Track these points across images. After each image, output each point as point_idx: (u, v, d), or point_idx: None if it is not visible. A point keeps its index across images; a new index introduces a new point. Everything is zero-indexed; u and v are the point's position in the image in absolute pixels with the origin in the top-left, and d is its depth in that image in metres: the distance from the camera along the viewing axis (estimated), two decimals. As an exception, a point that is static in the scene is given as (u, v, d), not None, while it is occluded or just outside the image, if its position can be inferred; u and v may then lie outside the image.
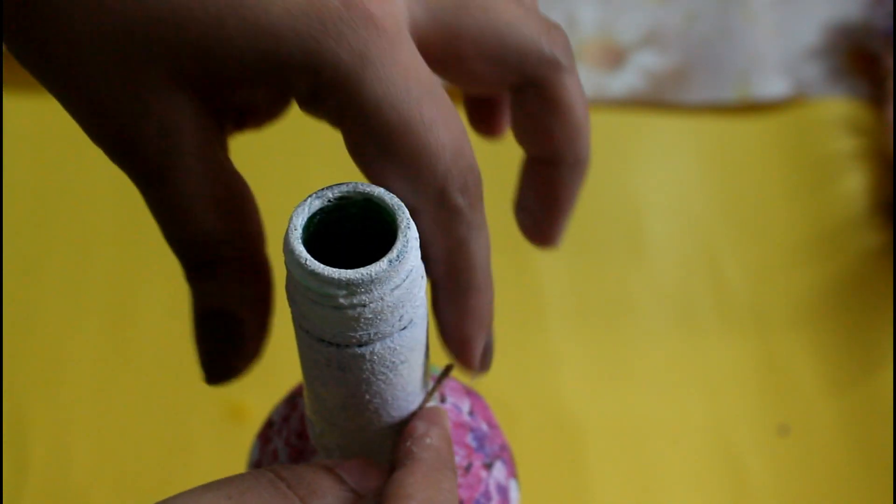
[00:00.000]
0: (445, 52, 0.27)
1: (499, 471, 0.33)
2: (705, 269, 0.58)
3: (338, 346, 0.25)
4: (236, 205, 0.26)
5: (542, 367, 0.54)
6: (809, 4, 0.68)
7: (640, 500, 0.51)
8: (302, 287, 0.24)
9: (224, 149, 0.27)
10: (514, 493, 0.34)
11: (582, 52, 0.66)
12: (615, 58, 0.66)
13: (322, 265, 0.24)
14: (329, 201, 0.25)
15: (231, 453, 0.47)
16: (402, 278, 0.24)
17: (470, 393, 0.35)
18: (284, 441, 0.32)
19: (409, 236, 0.24)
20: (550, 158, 0.30)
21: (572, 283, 0.57)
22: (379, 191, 0.25)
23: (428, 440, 0.28)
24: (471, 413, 0.33)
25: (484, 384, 0.53)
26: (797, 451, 0.52)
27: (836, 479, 0.51)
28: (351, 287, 0.24)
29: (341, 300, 0.24)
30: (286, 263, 0.25)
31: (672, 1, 0.69)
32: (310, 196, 0.25)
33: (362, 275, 0.24)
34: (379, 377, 0.26)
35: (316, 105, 0.25)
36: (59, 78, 0.25)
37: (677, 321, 0.56)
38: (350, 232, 0.26)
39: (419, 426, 0.28)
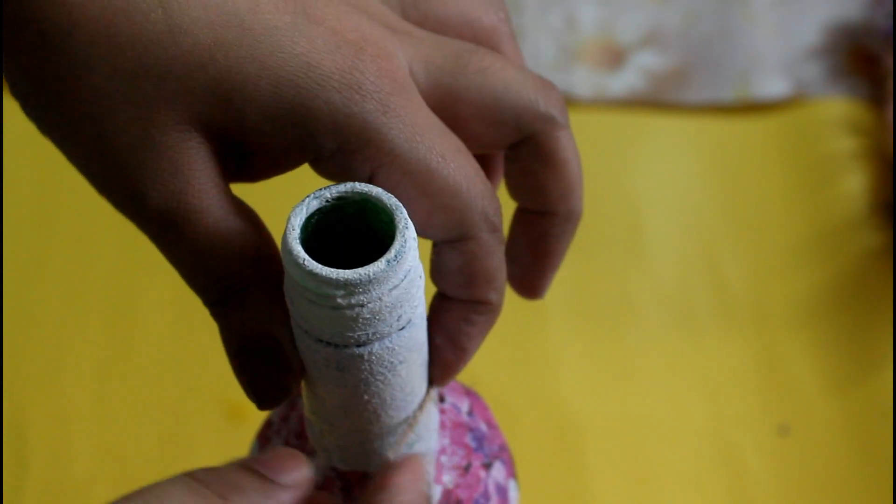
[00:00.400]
0: (443, 114, 0.27)
1: (498, 471, 0.33)
2: (705, 269, 0.58)
3: (336, 346, 0.25)
4: (252, 234, 0.26)
5: (542, 367, 0.54)
6: (809, 4, 0.68)
7: (639, 500, 0.51)
8: (300, 287, 0.24)
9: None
10: (513, 494, 0.34)
11: (582, 52, 0.66)
12: (615, 58, 0.66)
13: (320, 265, 0.24)
14: (327, 201, 0.25)
15: (231, 453, 0.47)
16: (401, 278, 0.24)
17: (469, 393, 0.35)
18: (283, 441, 0.32)
19: (407, 236, 0.24)
20: (543, 212, 0.30)
21: (572, 283, 0.57)
22: (377, 190, 0.25)
23: (400, 498, 0.28)
24: (470, 413, 0.33)
25: (484, 384, 0.54)
26: (797, 451, 0.52)
27: (836, 479, 0.51)
28: (349, 287, 0.24)
29: (339, 300, 0.24)
30: (284, 264, 0.25)
31: (672, 1, 0.69)
32: (308, 196, 0.25)
33: (360, 275, 0.24)
34: (377, 377, 0.26)
35: (341, 159, 0.26)
36: (68, 119, 0.25)
37: (677, 321, 0.56)
38: (349, 233, 0.26)
39: (395, 482, 0.28)
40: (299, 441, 0.32)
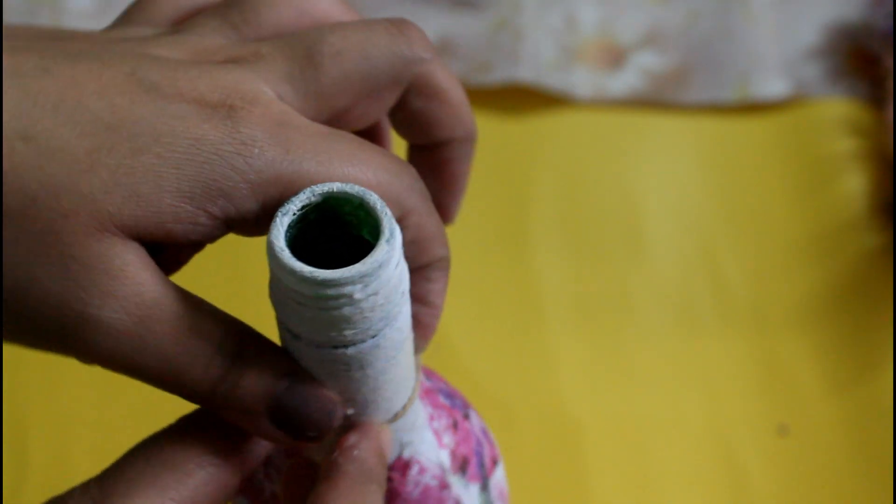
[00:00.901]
0: (328, 114, 0.28)
1: (475, 418, 0.34)
2: (705, 269, 0.58)
3: (322, 346, 0.25)
4: (204, 303, 0.26)
5: (542, 367, 0.54)
6: (809, 5, 0.68)
7: (639, 500, 0.51)
8: (287, 289, 0.24)
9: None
10: (491, 434, 0.35)
11: (582, 52, 0.66)
12: (615, 58, 0.66)
13: (306, 266, 0.24)
14: (308, 202, 0.25)
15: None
16: (388, 276, 0.24)
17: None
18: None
19: (394, 228, 0.24)
20: (442, 142, 0.31)
21: (572, 283, 0.57)
22: (359, 189, 0.25)
23: (356, 452, 0.28)
24: (428, 378, 0.34)
25: (484, 384, 0.54)
26: (797, 451, 0.52)
27: (836, 479, 0.51)
28: (335, 286, 0.24)
29: (329, 301, 0.24)
30: (270, 266, 0.24)
31: (672, 1, 0.69)
32: (288, 202, 0.25)
33: (344, 274, 0.24)
34: (368, 374, 0.26)
35: (266, 214, 0.26)
36: None
37: (677, 321, 0.56)
38: (323, 238, 0.26)
39: (350, 437, 0.28)
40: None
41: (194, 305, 0.26)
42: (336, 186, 0.25)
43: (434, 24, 0.68)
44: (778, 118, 0.64)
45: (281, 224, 0.24)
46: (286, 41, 0.28)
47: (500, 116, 0.64)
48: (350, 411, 0.28)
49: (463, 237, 0.59)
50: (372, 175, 0.26)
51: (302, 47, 0.27)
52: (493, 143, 0.63)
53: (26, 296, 0.24)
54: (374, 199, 0.25)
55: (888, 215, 0.59)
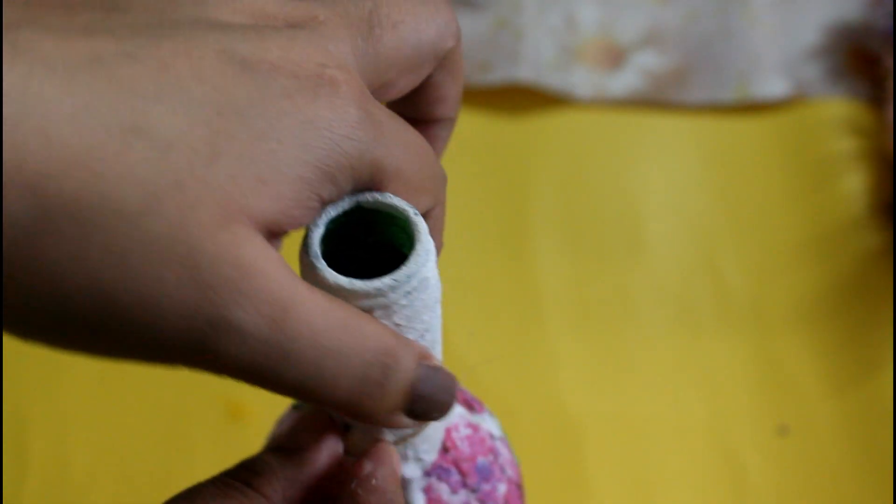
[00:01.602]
0: (377, 85, 0.27)
1: (488, 422, 0.35)
2: (705, 269, 0.58)
3: None
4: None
5: (542, 367, 0.54)
6: (809, 5, 0.68)
7: (639, 500, 0.51)
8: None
9: None
10: (497, 431, 0.35)
11: (582, 52, 0.66)
12: (615, 58, 0.66)
13: (341, 276, 0.24)
14: (343, 211, 0.25)
15: (231, 453, 0.47)
16: (414, 286, 0.25)
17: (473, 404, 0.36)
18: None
19: (426, 242, 0.25)
20: (438, 119, 0.31)
21: (572, 283, 0.57)
22: (394, 199, 0.25)
23: (374, 481, 0.27)
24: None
25: (484, 384, 0.54)
26: (796, 451, 0.52)
27: (836, 479, 0.51)
28: (371, 296, 0.24)
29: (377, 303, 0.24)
30: (305, 277, 0.24)
31: (672, 1, 0.69)
32: (324, 210, 0.25)
33: (384, 283, 0.24)
34: None
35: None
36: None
37: (677, 321, 0.56)
38: (357, 244, 0.26)
39: (366, 465, 0.28)
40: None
41: (329, 303, 0.23)
42: (387, 200, 0.25)
43: (434, 24, 0.68)
44: (778, 118, 0.64)
45: (316, 233, 0.24)
46: (340, 6, 0.26)
47: (500, 116, 0.64)
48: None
49: (463, 237, 0.59)
50: (428, 168, 0.26)
51: (359, 15, 0.26)
52: (493, 143, 0.63)
53: (158, 307, 0.21)
54: (419, 223, 0.25)
55: (888, 215, 0.59)
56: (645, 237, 0.59)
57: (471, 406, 0.35)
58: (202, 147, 0.22)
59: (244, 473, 0.27)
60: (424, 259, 0.25)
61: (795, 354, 0.55)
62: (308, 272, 0.24)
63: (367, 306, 0.24)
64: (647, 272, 0.58)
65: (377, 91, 0.27)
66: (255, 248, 0.22)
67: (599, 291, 0.57)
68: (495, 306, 0.56)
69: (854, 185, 0.60)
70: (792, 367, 0.54)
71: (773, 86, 0.64)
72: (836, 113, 0.63)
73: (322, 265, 0.24)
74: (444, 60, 0.29)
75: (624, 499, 0.50)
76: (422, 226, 0.25)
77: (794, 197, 0.61)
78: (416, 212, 0.25)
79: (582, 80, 0.65)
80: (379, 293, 0.24)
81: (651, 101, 0.64)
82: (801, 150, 0.62)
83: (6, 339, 0.55)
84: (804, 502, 0.50)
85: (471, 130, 0.64)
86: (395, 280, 0.24)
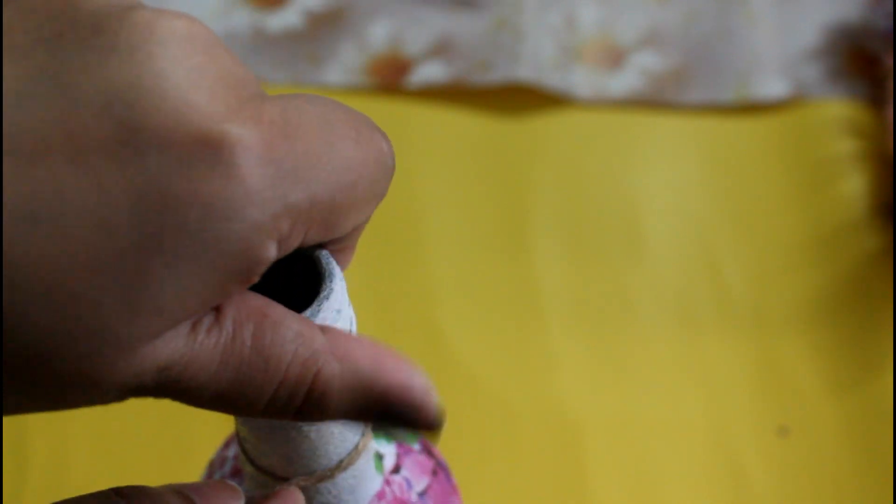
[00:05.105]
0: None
1: None
2: (705, 270, 0.58)
3: None
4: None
5: (542, 367, 0.54)
6: (809, 5, 0.68)
7: (639, 501, 0.51)
8: None
9: None
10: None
11: (582, 52, 0.66)
12: (615, 58, 0.66)
13: None
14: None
15: (231, 453, 0.47)
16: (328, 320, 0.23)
17: (437, 471, 0.33)
18: (226, 476, 0.32)
19: (332, 282, 0.23)
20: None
21: (572, 283, 0.57)
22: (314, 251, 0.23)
23: None
24: (423, 494, 0.31)
25: (484, 384, 0.54)
26: (796, 452, 0.52)
27: (836, 480, 0.51)
28: None
29: None
30: None
31: (672, 1, 0.69)
32: None
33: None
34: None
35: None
36: None
37: (677, 321, 0.56)
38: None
39: None
40: (237, 478, 0.31)
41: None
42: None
43: (434, 24, 0.68)
44: (777, 119, 0.64)
45: None
46: None
47: (500, 116, 0.64)
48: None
49: (463, 237, 0.59)
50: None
51: None
52: (493, 143, 0.63)
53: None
54: (329, 263, 0.23)
55: (888, 216, 0.59)
56: (644, 237, 0.59)
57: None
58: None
59: (134, 493, 0.25)
60: (339, 294, 0.23)
61: (796, 355, 0.55)
62: None
63: None
64: (646, 272, 0.58)
65: None
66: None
67: (599, 291, 0.57)
68: (495, 306, 0.56)
69: (854, 186, 0.60)
70: (792, 367, 0.54)
71: (773, 86, 0.64)
72: (836, 113, 0.63)
73: None
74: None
75: (623, 499, 0.50)
76: (335, 269, 0.23)
77: (793, 197, 0.61)
78: (328, 253, 0.23)
79: (582, 80, 0.65)
80: None
81: (651, 101, 0.64)
82: (801, 150, 0.62)
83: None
84: (804, 503, 0.51)
85: (471, 130, 0.64)
86: (309, 316, 0.22)
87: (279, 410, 0.22)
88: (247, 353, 0.21)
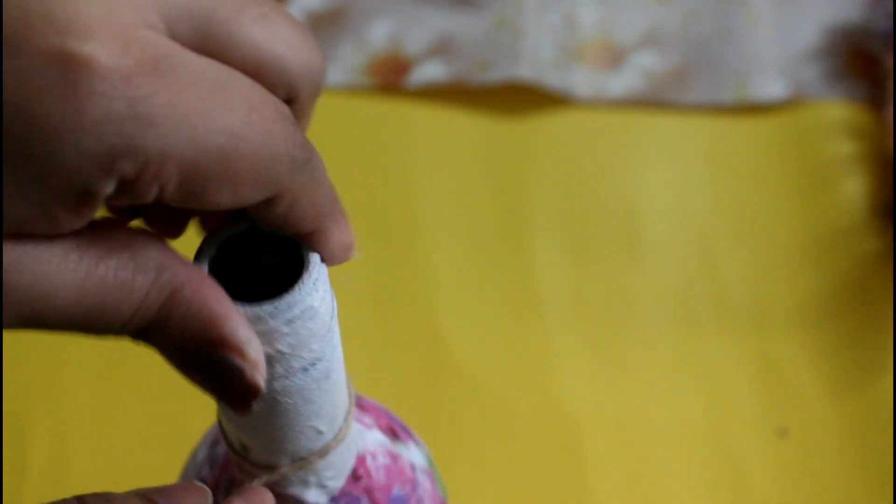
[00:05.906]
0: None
1: (412, 452, 0.33)
2: (704, 270, 0.58)
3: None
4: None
5: (542, 367, 0.54)
6: (809, 5, 0.68)
7: (638, 501, 0.51)
8: None
9: None
10: (420, 461, 0.34)
11: (582, 52, 0.66)
12: (615, 58, 0.66)
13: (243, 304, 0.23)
14: (226, 240, 0.24)
15: (231, 454, 0.47)
16: (296, 314, 0.24)
17: (371, 491, 0.33)
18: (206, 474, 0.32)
19: (314, 273, 0.24)
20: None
21: (572, 283, 0.57)
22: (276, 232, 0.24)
23: None
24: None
25: (484, 384, 0.54)
26: (796, 453, 0.52)
27: (835, 481, 0.51)
28: (250, 321, 0.23)
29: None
30: None
31: (672, 1, 0.69)
32: (220, 230, 0.24)
33: (263, 310, 0.23)
34: (289, 406, 0.26)
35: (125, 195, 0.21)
36: None
37: (677, 321, 0.56)
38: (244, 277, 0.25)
39: (234, 501, 0.27)
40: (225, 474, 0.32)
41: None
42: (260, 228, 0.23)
43: (434, 24, 0.68)
44: (777, 119, 0.64)
45: (206, 254, 0.24)
46: None
47: (500, 116, 0.64)
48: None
49: (463, 237, 0.59)
50: (251, 147, 0.22)
51: None
52: (493, 143, 0.63)
53: None
54: (309, 251, 0.24)
55: (888, 217, 0.59)
56: (644, 237, 0.59)
57: (395, 434, 0.33)
58: None
59: (98, 500, 0.25)
60: (310, 289, 0.23)
61: (795, 356, 0.55)
62: None
63: None
64: (646, 272, 0.58)
65: None
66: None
67: (599, 291, 0.57)
68: (495, 306, 0.57)
69: (854, 187, 0.60)
70: (791, 369, 0.54)
71: (773, 87, 0.64)
72: (836, 114, 0.63)
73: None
74: (298, 107, 0.24)
75: (623, 499, 0.50)
76: (313, 255, 0.24)
77: (793, 198, 0.61)
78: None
79: (581, 80, 0.65)
80: (257, 319, 0.23)
81: (650, 101, 0.64)
82: (801, 151, 0.62)
83: (6, 339, 0.56)
84: None
85: (471, 130, 0.64)
86: (274, 307, 0.23)
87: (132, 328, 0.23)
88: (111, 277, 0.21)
